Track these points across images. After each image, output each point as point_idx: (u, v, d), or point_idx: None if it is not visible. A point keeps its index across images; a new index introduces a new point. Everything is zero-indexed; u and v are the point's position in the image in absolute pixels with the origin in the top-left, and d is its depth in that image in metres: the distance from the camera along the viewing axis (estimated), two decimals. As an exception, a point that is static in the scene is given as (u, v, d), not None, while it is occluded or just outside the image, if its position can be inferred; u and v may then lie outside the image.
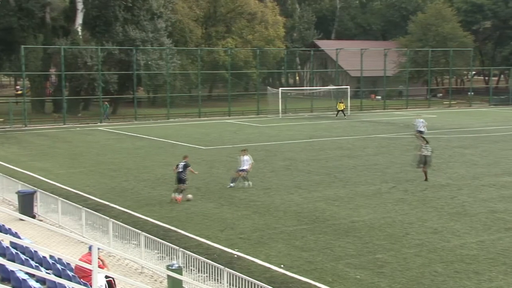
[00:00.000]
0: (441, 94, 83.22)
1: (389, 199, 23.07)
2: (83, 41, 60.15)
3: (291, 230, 18.92)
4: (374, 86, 76.41)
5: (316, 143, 39.12)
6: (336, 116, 57.84)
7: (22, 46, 52.89)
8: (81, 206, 19.25)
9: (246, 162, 25.51)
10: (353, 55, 73.37)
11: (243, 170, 25.39)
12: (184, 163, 23.21)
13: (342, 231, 18.75)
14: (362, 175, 27.91)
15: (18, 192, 21.15)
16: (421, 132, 34.99)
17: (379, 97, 75.96)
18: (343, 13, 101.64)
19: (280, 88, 62.38)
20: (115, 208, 21.97)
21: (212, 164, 30.87)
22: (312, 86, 70.82)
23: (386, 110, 66.71)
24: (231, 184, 25.22)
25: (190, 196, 23.07)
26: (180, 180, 22.91)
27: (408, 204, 22.25)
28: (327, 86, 69.93)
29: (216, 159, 32.53)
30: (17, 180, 23.14)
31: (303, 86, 78.86)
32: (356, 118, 56.72)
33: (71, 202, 20.09)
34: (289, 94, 65.49)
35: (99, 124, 53.15)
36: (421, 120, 40.35)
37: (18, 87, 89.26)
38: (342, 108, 58.57)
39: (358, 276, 14.97)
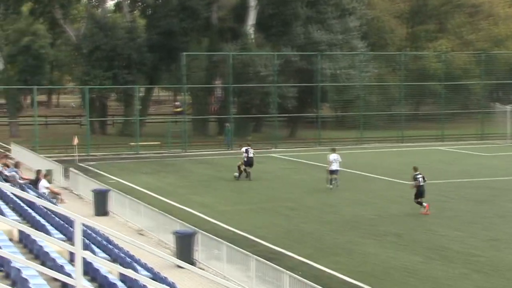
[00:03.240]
0: None
1: None
2: (256, 46, 62.20)
3: (529, 299, 17.94)
4: None
5: None
6: None
7: (184, 53, 55.95)
8: (250, 253, 19.74)
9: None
10: None
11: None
12: (422, 175, 28.96)
13: None
14: None
15: (175, 233, 22.21)
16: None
17: None
18: None
19: (513, 105, 59.92)
20: (292, 257, 22.28)
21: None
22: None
23: None
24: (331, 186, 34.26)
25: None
26: (423, 193, 28.67)
27: None
28: None
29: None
30: (174, 218, 24.33)
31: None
32: None
33: (238, 248, 20.68)
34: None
35: (273, 150, 54.54)
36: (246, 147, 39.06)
37: (177, 103, 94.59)
38: None
39: None
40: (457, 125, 65.24)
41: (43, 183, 30.10)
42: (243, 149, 38.82)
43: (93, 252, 15.77)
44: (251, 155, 38.28)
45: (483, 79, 65.79)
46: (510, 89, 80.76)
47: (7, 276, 11.61)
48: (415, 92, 68.63)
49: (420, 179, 29.03)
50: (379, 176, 38.82)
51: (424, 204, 28.69)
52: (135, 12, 71.02)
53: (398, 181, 36.94)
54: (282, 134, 60.65)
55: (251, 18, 62.28)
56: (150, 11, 69.06)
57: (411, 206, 29.50)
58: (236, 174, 38.46)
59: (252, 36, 62.56)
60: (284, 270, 17.92)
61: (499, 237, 24.47)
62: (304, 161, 46.88)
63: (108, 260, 15.69)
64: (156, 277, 15.71)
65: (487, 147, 55.05)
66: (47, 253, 13.20)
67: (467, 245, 23.46)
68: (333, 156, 35.13)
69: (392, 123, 63.69)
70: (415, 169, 29.71)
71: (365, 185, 36.15)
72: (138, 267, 16.06)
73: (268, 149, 54.90)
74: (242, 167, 38.32)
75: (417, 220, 27.40)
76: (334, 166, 34.86)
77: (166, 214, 25.10)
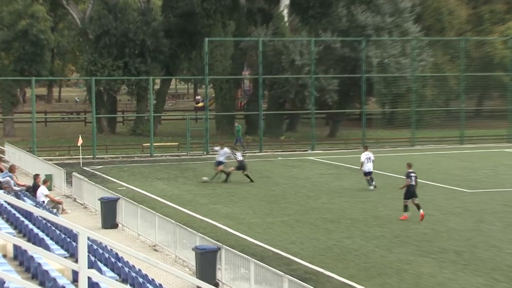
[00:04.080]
0: None
1: None
2: (290, 30, 62.18)
3: None
4: None
5: None
6: None
7: (206, 39, 56.06)
8: (282, 273, 19.74)
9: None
10: None
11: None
12: (415, 174, 30.08)
13: None
14: None
15: (195, 249, 22.26)
16: (220, 163, 40.96)
17: None
18: None
19: None
20: (331, 277, 22.25)
21: (481, 216, 30.11)
22: None
23: None
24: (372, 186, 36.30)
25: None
26: (414, 193, 29.73)
27: None
28: None
29: (488, 209, 31.72)
30: (194, 231, 24.38)
31: None
32: None
33: (268, 266, 20.69)
34: None
35: (309, 152, 54.46)
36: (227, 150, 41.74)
37: (198, 97, 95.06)
38: None
39: None
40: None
41: (42, 190, 30.35)
42: (226, 150, 40.88)
43: (99, 270, 15.85)
44: (240, 158, 40.38)
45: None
46: None
47: (0, 298, 11.68)
48: (478, 84, 68.20)
49: (413, 178, 30.13)
50: (434, 183, 38.61)
51: (421, 211, 29.61)
52: (149, -9, 71.32)
53: (457, 189, 36.78)
54: (320, 134, 60.55)
55: (285, -3, 62.29)
56: (167, -10, 69.29)
57: (473, 219, 29.31)
58: (206, 178, 40.36)
59: (286, 19, 62.52)
60: (323, 293, 17.89)
61: None
62: (347, 165, 46.72)
63: (117, 280, 15.76)
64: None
65: None
66: (46, 271, 13.28)
67: (539, 265, 23.27)
68: (365, 155, 36.65)
69: (451, 120, 63.32)
70: (409, 165, 30.85)
71: (418, 194, 35.94)
72: (152, 289, 16.09)
73: (304, 150, 54.89)
74: (231, 170, 40.00)
75: (479, 235, 27.18)
76: (367, 167, 36.39)
77: (185, 227, 25.17)
